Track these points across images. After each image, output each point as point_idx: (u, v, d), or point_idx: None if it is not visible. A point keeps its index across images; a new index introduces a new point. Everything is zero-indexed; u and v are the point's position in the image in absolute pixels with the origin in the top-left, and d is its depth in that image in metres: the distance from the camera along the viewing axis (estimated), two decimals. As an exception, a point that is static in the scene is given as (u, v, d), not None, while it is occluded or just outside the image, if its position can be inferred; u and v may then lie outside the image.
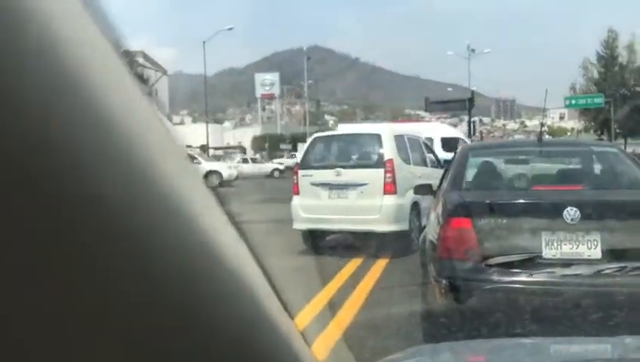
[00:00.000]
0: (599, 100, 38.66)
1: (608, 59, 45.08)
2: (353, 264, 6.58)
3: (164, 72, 64.15)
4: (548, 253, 3.37)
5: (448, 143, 15.43)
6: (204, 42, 38.86)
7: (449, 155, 8.22)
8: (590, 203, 3.51)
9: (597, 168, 4.49)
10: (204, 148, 41.48)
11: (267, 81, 66.83)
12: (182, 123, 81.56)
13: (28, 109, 0.26)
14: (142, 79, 0.37)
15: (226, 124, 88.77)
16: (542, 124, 4.92)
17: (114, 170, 0.29)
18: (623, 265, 3.31)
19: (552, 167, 4.80)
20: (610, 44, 45.43)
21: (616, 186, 4.08)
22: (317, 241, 7.76)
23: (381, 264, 6.57)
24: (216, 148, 45.84)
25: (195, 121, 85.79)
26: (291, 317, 0.64)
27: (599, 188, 4.10)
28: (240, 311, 0.40)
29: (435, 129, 16.61)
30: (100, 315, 0.29)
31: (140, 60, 44.79)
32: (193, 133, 50.19)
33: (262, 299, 0.43)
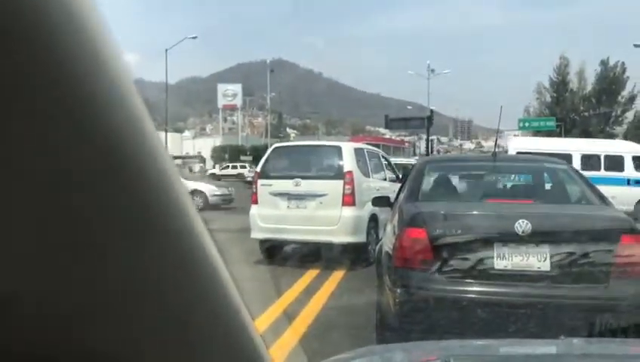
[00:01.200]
0: (551, 124, 40.18)
1: (560, 84, 47.03)
2: (310, 275, 6.56)
3: (124, 78, 62.65)
4: (499, 263, 3.45)
5: None
6: (166, 50, 38.32)
7: None
8: (541, 216, 3.63)
9: (547, 183, 4.65)
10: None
11: (230, 92, 66.29)
12: (140, 131, 79.39)
13: (27, 110, 0.27)
14: None
15: (186, 133, 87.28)
16: (496, 141, 5.06)
17: (108, 174, 0.31)
18: (569, 276, 3.43)
19: (505, 182, 4.95)
20: (561, 70, 47.43)
21: (565, 201, 4.23)
22: (275, 251, 7.72)
23: (338, 275, 6.57)
24: (175, 158, 45.07)
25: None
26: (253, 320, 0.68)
27: (550, 202, 4.25)
28: (213, 312, 0.42)
29: (625, 147, 15.26)
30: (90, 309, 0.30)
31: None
32: (152, 141, 48.84)
33: (232, 302, 0.47)
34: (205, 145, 58.78)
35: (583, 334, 2.98)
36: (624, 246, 3.43)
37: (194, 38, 40.33)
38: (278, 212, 7.44)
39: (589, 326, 3.18)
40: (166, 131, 41.47)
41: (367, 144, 10.15)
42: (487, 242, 3.49)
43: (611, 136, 45.33)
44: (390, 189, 7.21)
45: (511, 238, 3.45)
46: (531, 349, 1.40)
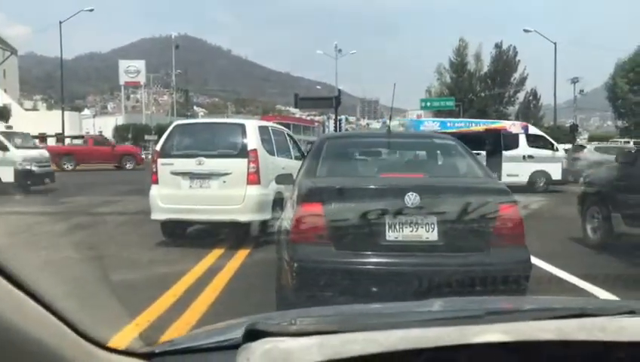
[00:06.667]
0: (450, 103, 42.28)
1: (459, 65, 49.38)
2: (214, 254, 6.47)
3: (14, 52, 57.47)
4: (391, 235, 3.59)
5: None
6: (60, 22, 35.46)
7: None
8: (429, 189, 3.80)
9: (438, 158, 4.89)
10: (60, 137, 37.96)
11: (132, 68, 62.48)
12: (35, 109, 73.50)
13: None
14: None
15: (86, 111, 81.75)
16: (390, 118, 5.23)
17: None
18: (454, 245, 3.64)
19: (399, 157, 5.13)
20: (460, 52, 49.76)
21: (453, 174, 4.47)
22: (177, 232, 7.51)
23: (242, 253, 6.54)
24: (73, 137, 42.26)
25: (50, 107, 78.06)
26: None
27: (438, 175, 4.47)
28: None
29: None
30: None
31: (-19, 36, 39.38)
32: (48, 120, 45.61)
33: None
34: (107, 125, 55.50)
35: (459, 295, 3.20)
36: (502, 216, 3.69)
37: (91, 10, 37.35)
38: (180, 192, 7.22)
39: (470, 291, 3.41)
40: (63, 110, 38.62)
41: (276, 123, 10.00)
42: (380, 215, 3.61)
43: (504, 115, 48.23)
44: (295, 168, 7.19)
45: (401, 211, 3.59)
46: (399, 310, 1.45)
